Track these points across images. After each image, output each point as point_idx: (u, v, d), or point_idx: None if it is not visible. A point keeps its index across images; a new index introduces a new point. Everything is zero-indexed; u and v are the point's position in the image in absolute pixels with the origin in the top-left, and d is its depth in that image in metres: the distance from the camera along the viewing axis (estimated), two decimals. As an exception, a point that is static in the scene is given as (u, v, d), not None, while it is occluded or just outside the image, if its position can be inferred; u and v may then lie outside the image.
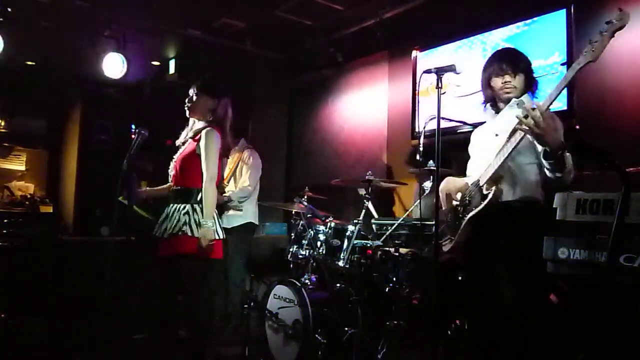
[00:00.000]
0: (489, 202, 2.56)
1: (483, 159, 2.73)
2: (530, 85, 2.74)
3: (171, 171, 3.30)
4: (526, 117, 2.29)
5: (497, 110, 2.81)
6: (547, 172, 2.43)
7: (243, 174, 4.71)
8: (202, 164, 3.16)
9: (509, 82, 2.69)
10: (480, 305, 2.75)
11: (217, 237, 3.15)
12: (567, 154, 2.33)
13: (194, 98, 3.29)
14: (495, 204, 2.56)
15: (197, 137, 3.22)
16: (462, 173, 2.98)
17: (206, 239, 3.04)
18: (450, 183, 2.82)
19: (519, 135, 2.44)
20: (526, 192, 2.60)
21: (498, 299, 2.61)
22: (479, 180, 2.66)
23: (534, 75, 2.76)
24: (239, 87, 6.51)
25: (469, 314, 3.10)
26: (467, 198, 2.72)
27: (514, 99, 2.71)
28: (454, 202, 2.79)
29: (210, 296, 4.47)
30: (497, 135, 2.70)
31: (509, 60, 2.71)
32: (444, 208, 2.82)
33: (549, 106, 2.32)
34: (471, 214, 2.63)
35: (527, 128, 2.29)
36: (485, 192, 2.60)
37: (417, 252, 3.67)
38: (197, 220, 3.10)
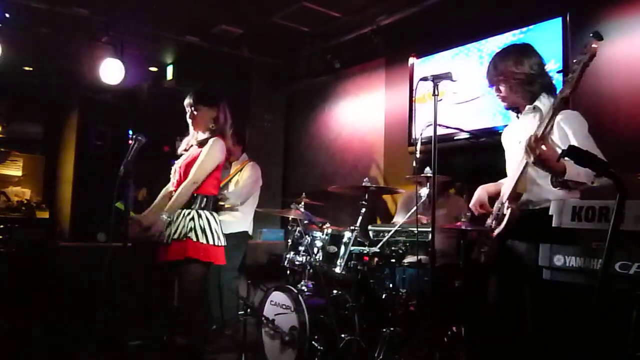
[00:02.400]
0: (508, 223, 2.53)
1: (510, 167, 2.71)
2: (539, 88, 2.60)
3: (173, 177, 3.31)
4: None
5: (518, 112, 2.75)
6: None
7: (240, 184, 4.70)
8: (194, 166, 3.17)
9: (498, 94, 2.67)
10: (488, 312, 2.74)
11: (219, 244, 3.17)
12: (579, 169, 2.29)
13: (195, 112, 3.30)
14: (521, 215, 2.53)
15: (203, 145, 3.24)
16: (459, 180, 2.99)
17: (154, 228, 3.05)
18: (482, 193, 2.80)
19: None
20: (550, 200, 2.57)
21: (513, 307, 2.60)
22: (503, 195, 2.64)
23: (536, 76, 2.61)
24: (236, 93, 6.52)
25: (468, 321, 3.10)
26: (499, 212, 2.67)
27: (528, 106, 2.64)
28: (491, 211, 2.74)
29: (207, 303, 4.46)
30: (520, 142, 2.67)
31: (488, 73, 2.68)
32: (476, 214, 2.80)
33: (543, 133, 2.28)
34: (496, 231, 2.61)
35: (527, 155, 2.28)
36: (505, 210, 2.57)
37: (414, 259, 3.67)
38: (202, 225, 3.12)
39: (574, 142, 2.38)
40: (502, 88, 2.64)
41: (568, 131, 2.44)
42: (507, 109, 2.74)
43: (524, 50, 2.66)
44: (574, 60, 2.24)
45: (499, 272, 2.69)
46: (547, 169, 2.31)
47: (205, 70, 6.38)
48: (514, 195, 2.55)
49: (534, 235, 2.46)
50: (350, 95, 6.00)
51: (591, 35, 2.22)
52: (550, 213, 2.23)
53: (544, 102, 2.59)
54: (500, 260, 2.63)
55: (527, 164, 2.43)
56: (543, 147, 2.22)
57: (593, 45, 2.20)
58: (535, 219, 2.52)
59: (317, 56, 5.93)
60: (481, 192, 2.82)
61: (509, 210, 2.53)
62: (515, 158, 2.62)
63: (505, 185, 2.67)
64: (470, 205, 2.83)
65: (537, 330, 2.52)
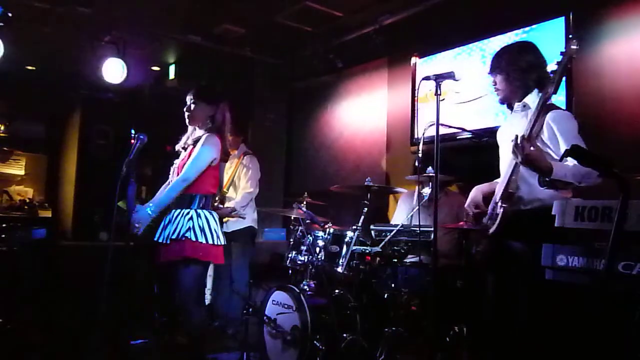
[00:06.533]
0: (500, 222, 2.55)
1: (503, 166, 2.74)
2: (533, 83, 2.64)
3: (172, 176, 3.31)
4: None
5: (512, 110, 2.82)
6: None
7: (242, 179, 4.72)
8: (187, 163, 3.16)
9: (494, 84, 2.74)
10: (487, 312, 2.74)
11: (218, 243, 3.16)
12: (566, 170, 2.33)
13: (192, 107, 3.28)
14: (510, 216, 2.55)
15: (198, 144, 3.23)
16: (461, 180, 2.98)
17: (139, 224, 3.02)
18: (476, 193, 2.82)
19: None
20: (541, 199, 2.58)
21: (509, 307, 2.60)
22: (497, 195, 2.65)
23: (529, 72, 2.64)
24: (238, 92, 6.53)
25: (470, 321, 3.09)
26: (493, 211, 2.69)
27: (517, 104, 2.70)
28: (486, 210, 2.75)
29: (213, 301, 4.47)
30: (511, 141, 2.69)
31: (491, 61, 2.76)
32: (470, 214, 2.81)
33: (530, 133, 2.35)
34: (491, 230, 2.63)
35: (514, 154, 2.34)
36: (499, 210, 2.58)
37: (416, 259, 3.67)
38: (201, 225, 3.10)
39: (562, 143, 2.44)
40: (498, 78, 2.71)
41: (557, 131, 2.48)
42: (501, 102, 2.79)
43: (525, 46, 2.75)
44: (556, 62, 2.36)
45: (494, 271, 2.71)
46: (534, 168, 2.35)
47: (208, 70, 6.38)
48: (507, 195, 2.56)
49: (527, 235, 2.48)
50: (353, 95, 6.00)
51: (570, 36, 2.31)
52: (552, 213, 2.23)
53: (534, 100, 2.61)
54: (495, 260, 2.65)
55: (517, 164, 2.46)
56: (531, 147, 2.28)
57: (572, 47, 2.33)
58: (527, 218, 2.55)
59: (319, 56, 5.92)
60: (476, 193, 2.84)
61: (502, 210, 2.54)
62: (507, 157, 2.65)
63: (499, 185, 2.69)
64: (465, 205, 2.84)
65: (536, 330, 2.52)
